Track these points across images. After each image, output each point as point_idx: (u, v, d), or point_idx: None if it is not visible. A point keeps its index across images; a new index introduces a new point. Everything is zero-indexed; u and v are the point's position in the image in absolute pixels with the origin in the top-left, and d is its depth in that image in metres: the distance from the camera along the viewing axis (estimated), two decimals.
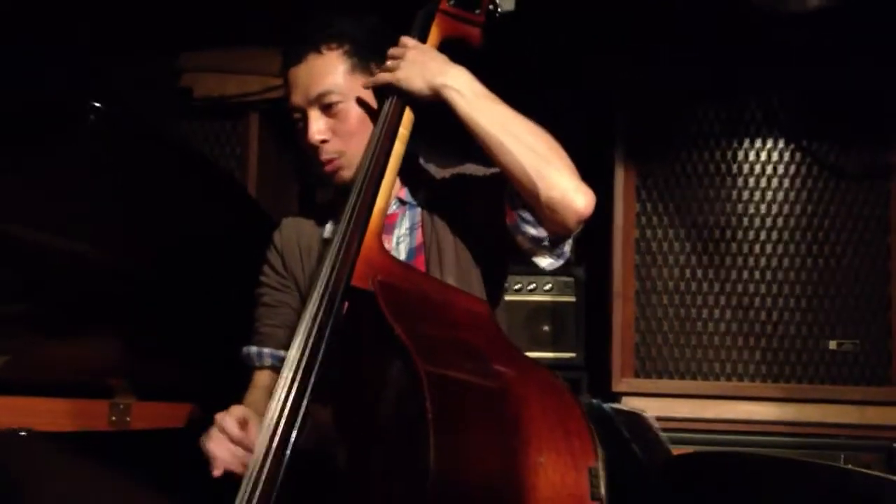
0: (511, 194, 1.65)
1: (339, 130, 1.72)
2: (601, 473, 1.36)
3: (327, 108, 1.72)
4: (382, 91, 1.70)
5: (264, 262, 1.87)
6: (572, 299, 3.06)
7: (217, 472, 1.49)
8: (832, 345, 2.80)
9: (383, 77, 1.68)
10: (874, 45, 2.79)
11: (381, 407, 1.45)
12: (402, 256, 1.75)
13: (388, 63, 1.68)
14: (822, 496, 1.55)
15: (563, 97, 3.02)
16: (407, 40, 1.70)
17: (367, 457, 1.43)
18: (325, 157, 1.73)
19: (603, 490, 1.35)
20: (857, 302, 2.81)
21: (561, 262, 1.73)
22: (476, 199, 1.76)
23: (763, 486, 1.66)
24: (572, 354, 3.04)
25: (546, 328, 3.06)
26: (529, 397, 1.39)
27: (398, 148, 1.64)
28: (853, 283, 2.81)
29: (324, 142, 1.72)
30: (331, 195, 1.84)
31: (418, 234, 1.78)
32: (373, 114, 1.73)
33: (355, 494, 1.40)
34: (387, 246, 1.67)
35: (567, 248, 1.71)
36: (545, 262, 1.72)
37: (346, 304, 1.53)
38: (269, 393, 1.51)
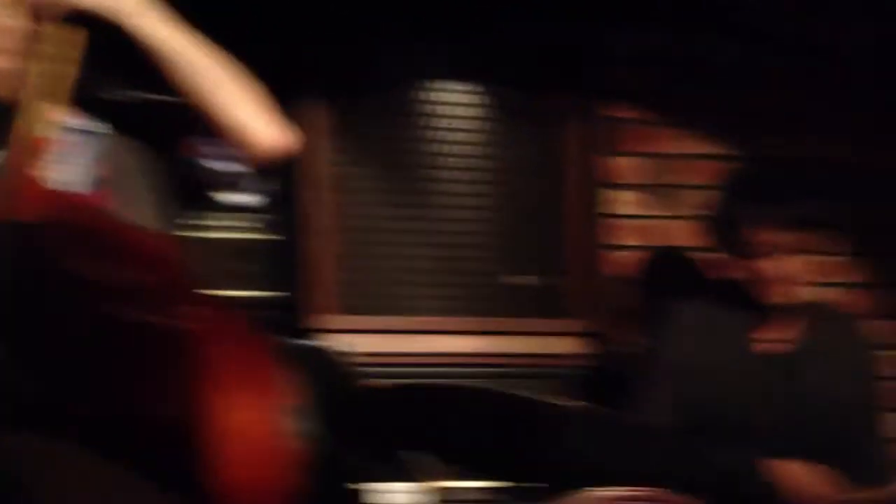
0: (198, 127, 1.59)
1: None
2: (291, 409, 1.37)
3: None
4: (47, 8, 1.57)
5: None
6: (274, 237, 3.02)
7: None
8: (516, 279, 2.98)
9: None
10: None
11: (51, 348, 1.37)
12: (80, 189, 1.64)
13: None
14: (507, 420, 1.66)
15: (255, 30, 2.95)
16: None
17: (42, 396, 1.34)
18: None
19: (296, 427, 1.36)
20: (536, 239, 3.00)
21: (250, 198, 1.70)
22: (162, 130, 1.67)
23: (449, 413, 1.75)
24: (275, 293, 3.01)
25: (247, 266, 3.01)
26: (214, 336, 1.36)
27: (66, 69, 1.52)
28: (532, 220, 2.99)
29: None
30: None
31: (96, 166, 1.67)
32: (32, 30, 1.59)
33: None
34: (56, 177, 1.55)
35: (258, 184, 1.67)
36: (234, 197, 1.68)
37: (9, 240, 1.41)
38: None
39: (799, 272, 2.26)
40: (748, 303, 2.39)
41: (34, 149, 1.47)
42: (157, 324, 1.36)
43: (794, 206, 2.28)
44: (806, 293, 2.32)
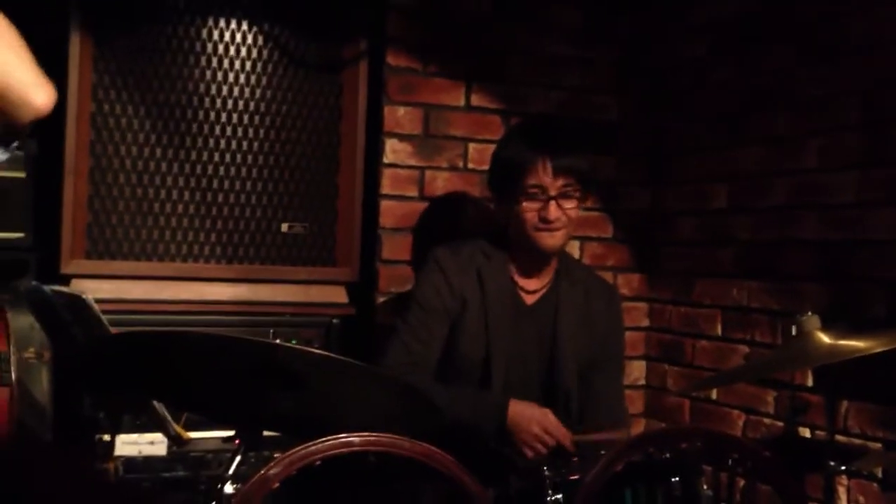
0: None
1: None
2: (11, 358, 1.28)
3: None
4: None
5: None
6: (21, 175, 2.80)
7: None
8: (284, 227, 2.93)
9: None
10: None
11: None
12: None
13: None
14: (249, 368, 1.62)
15: None
16: None
17: None
18: None
19: (14, 375, 1.27)
20: (309, 188, 2.96)
21: (8, 154, 1.57)
22: None
23: (194, 361, 1.69)
24: (20, 234, 2.81)
25: None
26: None
27: None
28: (305, 169, 2.95)
29: None
30: None
31: None
32: None
33: None
34: None
35: (15, 139, 1.54)
36: None
37: None
38: None
39: (561, 219, 2.35)
40: (507, 250, 2.46)
41: None
42: None
43: (564, 155, 2.36)
44: (563, 242, 2.41)
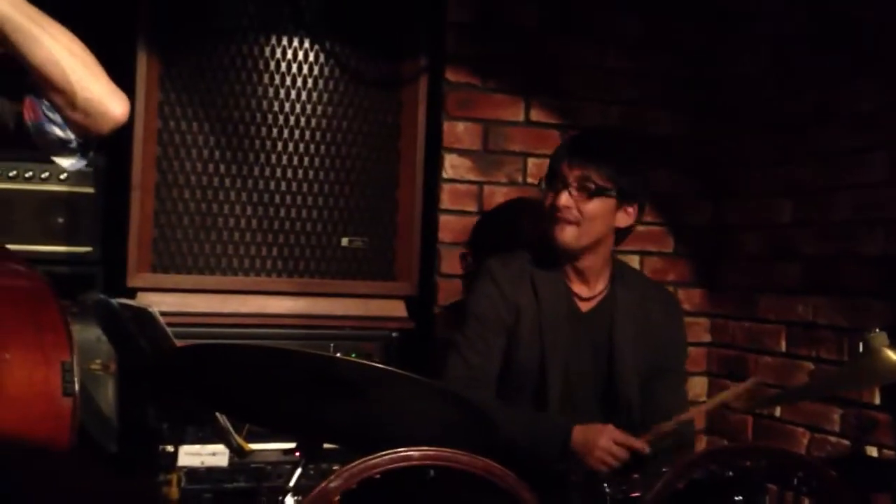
0: (34, 87, 1.51)
1: None
2: (75, 368, 1.31)
3: None
4: None
5: None
6: (90, 190, 2.89)
7: None
8: (344, 242, 2.96)
9: None
10: None
11: None
12: None
13: None
14: (309, 381, 1.64)
15: None
16: None
17: None
18: None
19: (77, 385, 1.30)
20: (369, 203, 2.99)
21: (85, 162, 1.64)
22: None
23: (255, 373, 1.72)
24: (88, 248, 2.89)
25: (60, 220, 2.86)
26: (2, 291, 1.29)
27: None
28: (365, 184, 2.98)
29: None
30: None
31: None
32: None
33: None
34: None
35: (91, 149, 1.61)
36: (68, 163, 1.62)
37: None
38: None
39: (572, 211, 2.36)
40: (560, 257, 2.46)
41: None
42: None
43: (587, 150, 2.39)
44: (577, 238, 2.40)
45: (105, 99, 1.54)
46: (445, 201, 3.04)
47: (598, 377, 2.46)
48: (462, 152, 3.05)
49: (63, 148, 1.60)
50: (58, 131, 1.56)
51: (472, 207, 3.06)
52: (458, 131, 3.05)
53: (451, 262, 3.04)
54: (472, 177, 3.06)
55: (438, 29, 3.03)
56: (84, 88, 1.51)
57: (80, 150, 1.61)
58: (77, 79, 1.51)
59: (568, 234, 2.39)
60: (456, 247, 3.04)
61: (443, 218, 3.04)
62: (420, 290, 3.02)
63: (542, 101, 3.11)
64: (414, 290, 3.01)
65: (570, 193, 2.36)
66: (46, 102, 1.54)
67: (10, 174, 2.79)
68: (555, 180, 2.40)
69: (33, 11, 1.51)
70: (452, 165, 3.04)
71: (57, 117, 1.55)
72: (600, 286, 2.48)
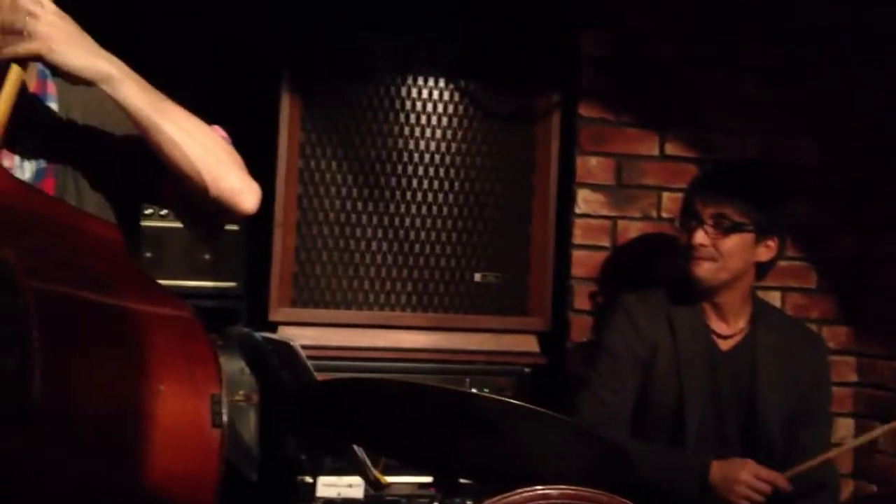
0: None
1: None
2: (224, 400, 1.36)
3: None
4: None
5: None
6: (234, 228, 3.01)
7: None
8: (477, 277, 2.98)
9: (26, 48, 1.47)
10: None
11: None
12: (27, 176, 1.63)
13: (29, 25, 1.49)
14: (446, 416, 1.66)
15: (230, 21, 2.95)
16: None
17: None
18: None
19: (225, 417, 1.35)
20: (502, 238, 3.00)
21: (216, 239, 1.73)
22: (127, 143, 1.66)
23: (394, 407, 1.75)
24: (232, 283, 3.01)
25: (206, 256, 3.00)
26: (152, 324, 1.36)
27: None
28: (498, 220, 3.00)
29: None
30: None
31: (46, 153, 1.66)
32: None
33: None
34: (6, 164, 1.55)
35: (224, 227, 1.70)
36: (199, 236, 1.71)
37: None
38: None
39: (707, 249, 2.30)
40: (698, 294, 2.41)
41: None
42: (98, 307, 1.35)
43: (723, 187, 2.34)
44: (712, 275, 2.34)
45: (236, 195, 1.60)
46: (578, 236, 3.03)
47: (737, 418, 2.39)
48: (595, 187, 3.03)
49: (194, 230, 1.68)
50: (191, 216, 1.65)
51: (606, 242, 3.04)
52: (592, 166, 3.04)
53: (583, 298, 3.02)
54: (605, 212, 3.04)
55: (572, 64, 3.03)
56: (215, 187, 1.57)
57: (211, 233, 1.70)
58: (210, 176, 1.56)
59: (705, 271, 2.34)
60: (589, 282, 3.02)
61: (576, 253, 3.03)
62: (553, 325, 3.01)
63: (678, 134, 3.07)
64: (546, 325, 3.00)
65: (705, 231, 2.32)
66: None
67: (162, 212, 2.94)
68: (689, 218, 2.37)
69: (171, 108, 1.57)
70: (585, 200, 3.03)
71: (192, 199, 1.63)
72: (740, 324, 2.42)
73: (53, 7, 1.52)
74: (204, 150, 1.58)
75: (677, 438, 2.36)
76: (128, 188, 1.69)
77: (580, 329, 3.01)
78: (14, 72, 1.51)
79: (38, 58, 1.50)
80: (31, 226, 1.41)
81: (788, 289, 3.10)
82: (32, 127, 1.66)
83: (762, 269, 2.43)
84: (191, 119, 1.60)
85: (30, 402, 1.16)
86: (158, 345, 1.33)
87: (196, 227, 1.69)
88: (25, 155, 1.64)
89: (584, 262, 3.03)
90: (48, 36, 1.49)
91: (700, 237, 2.32)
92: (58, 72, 1.53)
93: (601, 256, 3.03)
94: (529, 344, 2.98)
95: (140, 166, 1.64)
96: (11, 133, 1.54)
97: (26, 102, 1.60)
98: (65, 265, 1.38)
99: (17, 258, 1.27)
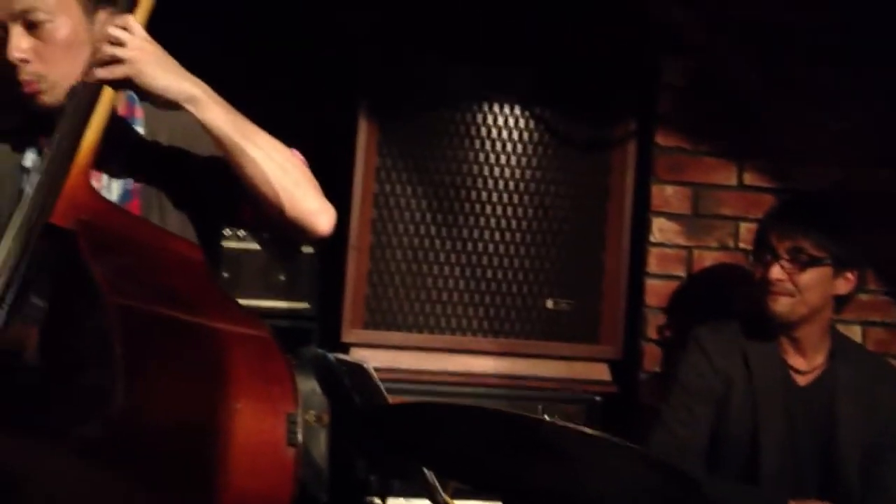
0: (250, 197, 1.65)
1: (42, 52, 1.61)
2: (299, 420, 1.38)
3: (32, 27, 1.60)
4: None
5: None
6: (309, 250, 3.04)
7: None
8: (549, 303, 2.97)
9: (116, 72, 1.54)
10: (605, 25, 2.96)
11: (77, 348, 1.41)
12: (114, 197, 1.68)
13: (118, 51, 1.56)
14: (516, 442, 1.65)
15: (308, 48, 3.01)
16: (126, 26, 1.59)
17: (60, 399, 1.37)
18: (23, 77, 1.61)
19: (300, 436, 1.37)
20: (575, 265, 2.99)
21: (292, 260, 1.77)
22: (208, 166, 1.71)
23: (464, 432, 1.75)
24: (306, 304, 3.05)
25: (281, 277, 3.04)
26: (232, 343, 1.39)
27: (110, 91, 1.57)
28: (572, 246, 2.99)
29: (24, 61, 1.61)
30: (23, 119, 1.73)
31: (132, 173, 1.71)
32: (81, 42, 1.64)
33: (45, 428, 1.35)
34: (96, 184, 1.60)
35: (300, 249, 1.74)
36: (275, 257, 1.75)
37: (47, 242, 1.46)
38: None
39: (785, 284, 2.26)
40: (774, 328, 2.37)
41: (86, 157, 1.51)
42: (179, 324, 1.38)
43: (798, 220, 2.29)
44: (791, 310, 2.29)
45: (313, 216, 1.65)
46: (653, 265, 3.00)
47: (814, 457, 2.33)
48: (671, 216, 3.01)
49: (271, 251, 1.72)
50: (268, 236, 1.69)
51: (681, 272, 3.00)
52: (668, 195, 3.01)
53: (657, 327, 2.99)
54: (680, 241, 3.01)
55: (650, 92, 3.02)
56: (293, 207, 1.62)
57: (287, 255, 1.73)
58: (288, 198, 1.62)
59: (782, 305, 2.30)
60: (662, 312, 2.99)
61: (649, 282, 3.00)
62: (625, 354, 2.98)
63: (757, 164, 3.02)
64: (619, 354, 2.98)
65: (781, 266, 2.28)
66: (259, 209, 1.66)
67: (240, 234, 3.00)
68: (764, 251, 2.32)
69: (253, 131, 1.63)
70: (661, 229, 3.00)
71: (270, 223, 1.67)
72: (819, 359, 2.37)
73: (143, 33, 1.59)
74: (283, 172, 1.62)
75: (751, 476, 2.31)
76: (209, 209, 1.73)
77: (653, 359, 2.97)
78: (106, 95, 1.56)
79: (127, 81, 1.56)
80: (117, 245, 1.46)
81: (869, 323, 3.02)
82: (120, 149, 1.71)
83: (841, 303, 2.38)
84: (271, 142, 1.64)
85: (111, 415, 1.20)
86: (237, 363, 1.36)
87: (272, 248, 1.73)
88: (113, 175, 1.69)
89: (658, 292, 2.99)
90: (137, 60, 1.55)
91: (776, 272, 2.28)
92: (146, 94, 1.58)
93: (676, 286, 2.99)
94: (601, 372, 2.96)
95: (221, 188, 1.69)
96: (102, 154, 1.60)
97: (115, 125, 1.65)
98: (148, 284, 1.42)
99: (104, 276, 1.32)
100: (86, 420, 1.28)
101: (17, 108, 1.67)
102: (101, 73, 1.56)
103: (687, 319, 2.93)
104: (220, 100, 1.62)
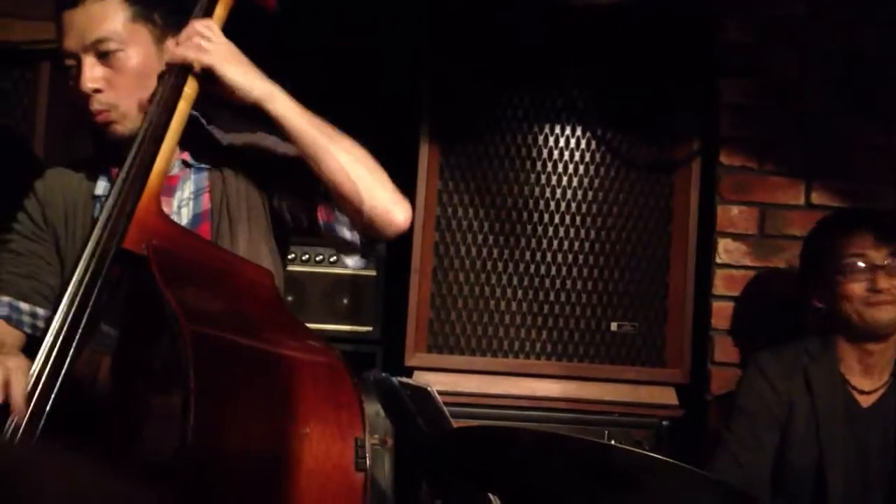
0: (327, 196, 1.66)
1: (113, 81, 1.65)
2: (367, 445, 1.38)
3: (104, 57, 1.64)
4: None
5: (20, 211, 1.77)
6: (372, 273, 3.08)
7: None
8: (613, 326, 2.94)
9: (201, 57, 1.58)
10: (666, 46, 2.95)
11: (150, 372, 1.43)
12: (184, 221, 1.71)
13: (198, 42, 1.60)
14: (583, 468, 1.63)
15: (370, 73, 3.04)
16: (208, 26, 1.63)
17: (134, 422, 1.40)
18: (96, 107, 1.65)
19: (368, 461, 1.37)
20: (639, 287, 2.96)
21: (366, 259, 1.78)
22: (279, 177, 1.74)
23: (530, 457, 1.73)
24: (369, 328, 3.07)
25: (345, 301, 3.07)
26: (302, 369, 1.40)
27: (182, 107, 1.60)
28: (636, 268, 2.96)
29: (97, 91, 1.65)
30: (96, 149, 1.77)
31: (205, 199, 1.74)
32: (151, 68, 1.67)
33: (118, 455, 1.37)
34: (166, 209, 1.63)
35: (375, 249, 1.75)
36: (352, 261, 1.76)
37: (118, 267, 1.48)
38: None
39: (893, 291, 2.20)
40: (835, 349, 2.31)
41: (156, 183, 1.54)
42: (251, 351, 1.40)
43: (886, 226, 2.24)
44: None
45: (390, 207, 1.66)
46: (719, 287, 2.95)
47: (884, 479, 2.26)
48: (737, 236, 2.96)
49: (349, 247, 1.73)
50: (346, 233, 1.69)
51: (747, 293, 2.95)
52: (733, 215, 2.97)
53: (724, 350, 2.94)
54: (747, 262, 2.96)
55: (713, 111, 2.99)
56: (371, 198, 1.64)
57: (364, 251, 1.74)
58: (365, 189, 1.63)
59: (889, 313, 2.25)
60: (730, 334, 2.94)
61: (716, 304, 2.95)
62: (692, 377, 2.93)
63: (825, 183, 2.96)
64: (685, 377, 2.93)
65: (887, 273, 2.24)
66: (338, 207, 1.67)
67: (304, 257, 3.03)
68: (852, 263, 2.26)
69: (326, 126, 1.65)
70: (727, 250, 2.96)
71: (346, 220, 1.68)
72: (885, 377, 2.31)
73: (222, 36, 1.62)
74: (358, 163, 1.64)
75: (818, 502, 2.25)
76: (282, 221, 1.75)
77: (721, 382, 2.91)
78: (190, 86, 1.59)
79: (209, 70, 1.58)
80: (189, 270, 1.48)
81: None
82: (190, 171, 1.75)
83: None
84: (344, 135, 1.66)
85: (185, 440, 1.21)
86: (306, 388, 1.37)
87: (347, 245, 1.73)
88: (184, 199, 1.73)
89: (724, 314, 2.95)
90: (219, 53, 1.59)
91: (884, 280, 2.24)
92: (224, 88, 1.60)
93: (743, 307, 2.94)
94: (667, 396, 2.91)
95: (295, 194, 1.71)
96: (172, 178, 1.63)
97: (185, 148, 1.69)
98: (221, 310, 1.44)
99: (178, 303, 1.34)
100: (160, 448, 1.29)
101: (89, 137, 1.71)
102: (190, 53, 1.59)
103: (755, 341, 2.88)
104: (291, 98, 1.64)
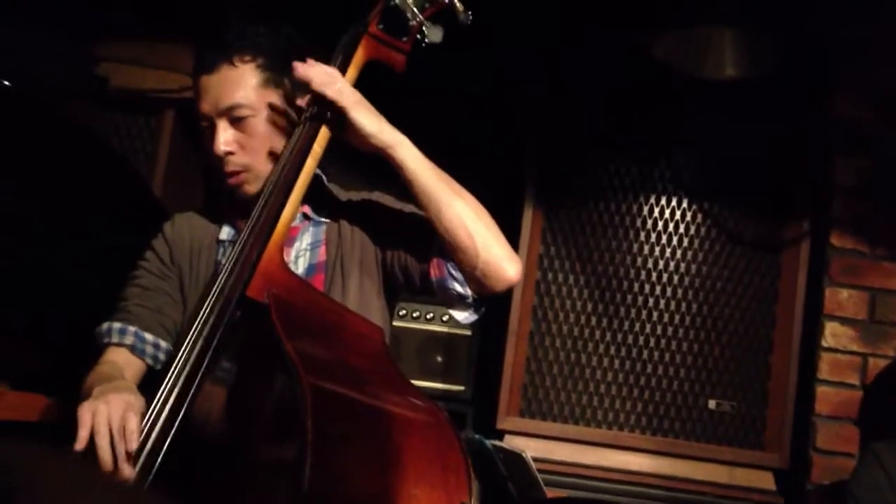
0: (441, 249, 1.67)
1: (246, 144, 1.71)
2: None
3: (236, 121, 1.70)
4: (300, 108, 1.69)
5: (148, 249, 1.83)
6: (467, 333, 3.08)
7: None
8: (711, 404, 2.87)
9: (339, 97, 1.61)
10: (782, 120, 2.91)
11: (265, 418, 1.44)
12: (300, 271, 1.74)
13: (336, 87, 1.63)
14: None
15: (477, 136, 3.07)
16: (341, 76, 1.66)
17: (246, 465, 1.41)
18: (229, 168, 1.71)
19: None
20: (739, 366, 2.89)
21: (477, 316, 1.77)
22: (393, 234, 1.76)
23: None
24: (461, 387, 3.06)
25: (439, 359, 3.07)
26: (412, 428, 1.40)
27: (310, 163, 1.63)
28: (737, 346, 2.90)
29: (229, 154, 1.70)
30: (226, 197, 1.81)
31: (321, 251, 1.77)
32: (281, 129, 1.72)
33: (229, 499, 1.38)
34: (284, 259, 1.66)
35: (484, 304, 1.74)
36: (462, 315, 1.76)
37: (240, 312, 1.51)
38: (121, 370, 1.58)
39: None
40: None
41: (281, 234, 1.57)
42: (364, 406, 1.40)
43: None
44: None
45: (503, 262, 1.66)
46: (824, 371, 2.86)
47: None
48: (845, 321, 2.87)
49: (460, 302, 1.73)
50: (458, 287, 1.69)
51: (855, 380, 2.85)
52: (842, 298, 2.88)
53: (828, 437, 2.83)
54: (855, 347, 2.86)
55: (825, 192, 2.93)
56: (485, 251, 1.64)
57: (475, 306, 1.74)
58: (481, 242, 1.63)
59: None
60: (834, 421, 2.84)
61: (820, 389, 2.86)
62: (791, 463, 2.84)
63: None
64: (784, 462, 2.84)
65: None
66: (451, 263, 1.68)
67: (401, 313, 3.04)
68: None
69: (446, 178, 1.67)
70: (834, 334, 2.87)
71: (459, 275, 1.68)
72: None
73: (352, 88, 1.65)
74: (476, 217, 1.65)
75: None
76: (395, 277, 1.76)
77: (823, 470, 2.81)
78: (318, 143, 1.62)
79: (342, 113, 1.61)
80: (306, 321, 1.50)
81: None
82: (309, 223, 1.78)
83: None
84: (463, 188, 1.67)
85: (301, 490, 1.21)
86: (416, 448, 1.36)
87: (460, 302, 1.73)
88: (301, 249, 1.76)
89: (829, 399, 2.85)
90: (351, 98, 1.61)
91: None
92: (354, 133, 1.63)
93: (849, 394, 2.84)
94: (765, 481, 2.82)
95: (409, 249, 1.72)
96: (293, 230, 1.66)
97: (310, 197, 1.72)
98: (335, 364, 1.45)
99: (298, 354, 1.35)
100: (274, 494, 1.30)
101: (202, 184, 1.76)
102: (329, 91, 1.61)
103: (862, 431, 2.78)
104: (418, 151, 1.66)
